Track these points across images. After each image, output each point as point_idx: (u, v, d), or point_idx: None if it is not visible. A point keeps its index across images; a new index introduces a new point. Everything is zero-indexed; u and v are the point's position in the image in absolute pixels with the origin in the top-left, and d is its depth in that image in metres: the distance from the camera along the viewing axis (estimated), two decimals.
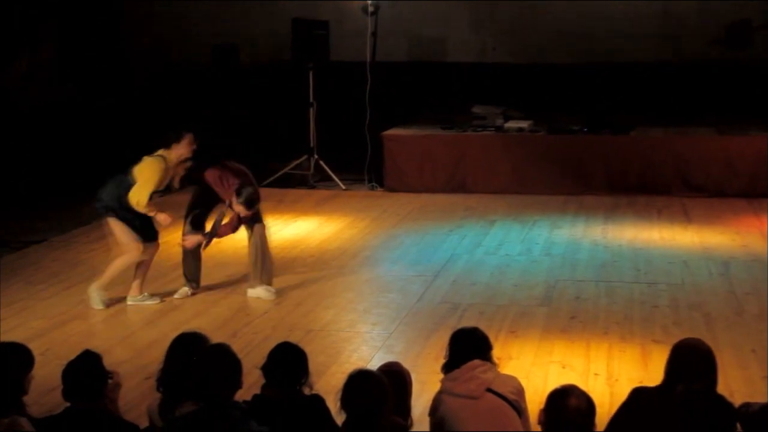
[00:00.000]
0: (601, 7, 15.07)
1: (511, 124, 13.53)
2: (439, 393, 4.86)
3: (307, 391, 4.73)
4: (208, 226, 8.69)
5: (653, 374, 6.13)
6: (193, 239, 8.59)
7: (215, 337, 5.13)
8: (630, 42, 14.92)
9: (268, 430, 4.23)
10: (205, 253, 8.84)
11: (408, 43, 15.59)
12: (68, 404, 4.58)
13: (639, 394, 4.78)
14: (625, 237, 10.74)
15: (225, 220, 8.55)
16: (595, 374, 6.74)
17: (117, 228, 8.36)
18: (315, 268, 9.62)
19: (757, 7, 14.58)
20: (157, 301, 8.52)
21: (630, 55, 14.86)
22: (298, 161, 13.85)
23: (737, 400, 4.96)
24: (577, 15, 15.08)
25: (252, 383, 4.97)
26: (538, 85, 14.90)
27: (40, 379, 4.69)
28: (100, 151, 14.70)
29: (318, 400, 4.75)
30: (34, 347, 7.00)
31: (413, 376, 5.07)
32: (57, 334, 7.68)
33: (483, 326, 7.05)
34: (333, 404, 4.51)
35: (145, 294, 8.53)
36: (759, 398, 5.32)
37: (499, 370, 4.99)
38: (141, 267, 8.51)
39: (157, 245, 8.60)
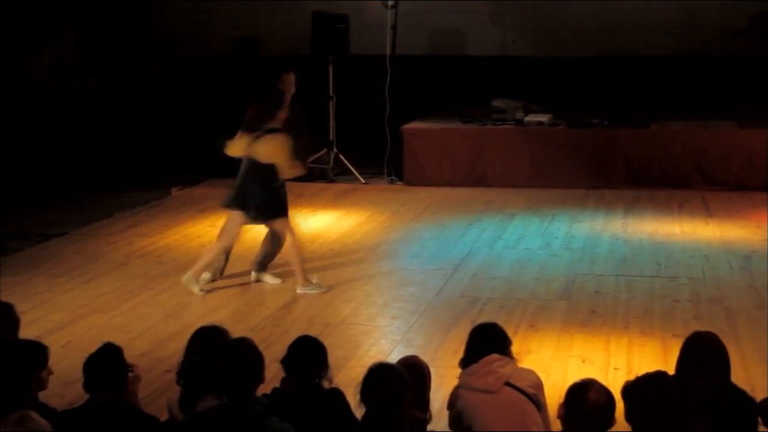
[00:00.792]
0: (620, 0, 15.01)
1: (531, 118, 13.49)
2: (457, 387, 4.86)
3: (326, 384, 4.74)
4: None
5: (673, 369, 6.10)
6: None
7: (234, 331, 5.15)
8: (650, 35, 14.85)
9: (290, 426, 4.23)
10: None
11: (428, 36, 15.57)
12: (89, 396, 4.60)
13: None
14: (646, 231, 10.70)
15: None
16: (615, 369, 6.72)
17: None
18: (334, 262, 9.63)
19: None
20: (324, 290, 8.59)
21: (650, 48, 14.80)
22: (317, 155, 13.84)
23: (759, 395, 4.94)
24: (597, 8, 15.02)
25: (271, 377, 4.98)
26: (557, 78, 14.84)
27: (61, 371, 4.72)
28: (120, 143, 14.79)
29: (337, 394, 4.76)
30: (55, 339, 7.12)
31: (432, 370, 5.07)
32: (78, 327, 7.72)
33: (502, 320, 7.07)
34: (352, 398, 4.52)
35: (314, 283, 8.61)
36: None
37: (517, 364, 4.98)
38: (294, 255, 8.58)
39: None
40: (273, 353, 4.89)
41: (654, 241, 10.24)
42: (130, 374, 4.73)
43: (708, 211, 11.56)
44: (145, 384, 5.59)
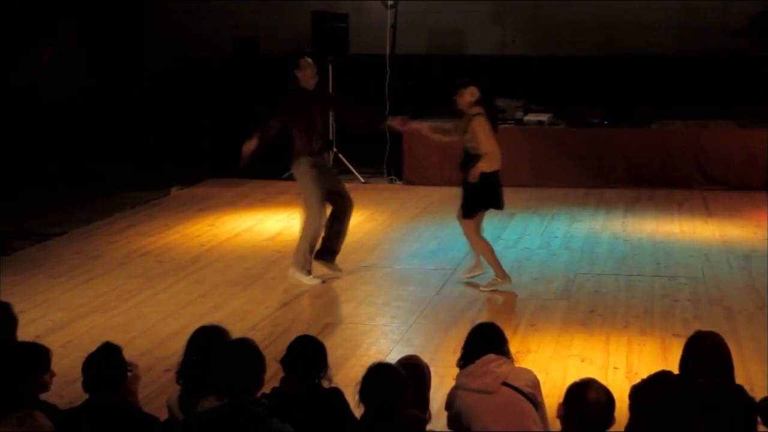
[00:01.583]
0: (621, 0, 15.02)
1: (531, 117, 13.49)
2: (455, 388, 4.85)
3: (326, 384, 4.74)
4: None
5: (673, 368, 6.07)
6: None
7: (235, 330, 5.15)
8: (650, 34, 14.87)
9: (290, 427, 4.23)
10: (225, 248, 8.84)
11: (427, 36, 15.58)
12: (88, 396, 4.60)
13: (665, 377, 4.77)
14: (645, 230, 10.70)
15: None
16: (615, 368, 6.72)
17: None
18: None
19: None
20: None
21: (650, 47, 14.81)
22: None
23: (758, 394, 4.94)
24: (597, 7, 15.03)
25: (271, 376, 4.97)
26: (557, 77, 14.86)
27: (61, 371, 4.71)
28: (120, 143, 14.80)
29: (337, 393, 4.75)
30: (55, 339, 7.12)
31: (432, 370, 5.06)
32: (77, 326, 7.71)
33: (502, 320, 7.08)
34: (352, 397, 4.52)
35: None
36: None
37: (516, 363, 4.98)
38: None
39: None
40: (273, 353, 4.89)
41: (654, 241, 10.25)
42: (129, 374, 4.73)
43: (708, 211, 11.56)
44: (145, 383, 5.59)
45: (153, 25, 16.17)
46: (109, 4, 15.47)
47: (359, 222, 11.30)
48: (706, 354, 4.71)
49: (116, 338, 5.45)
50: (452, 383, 4.96)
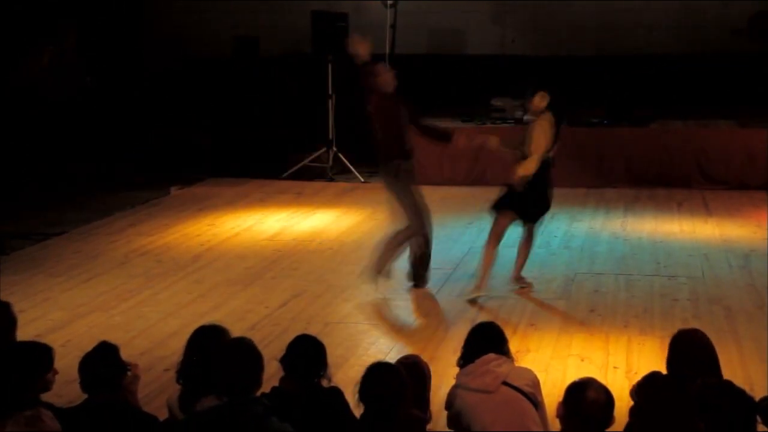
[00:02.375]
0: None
1: (530, 117, 13.45)
2: (455, 387, 4.86)
3: (325, 383, 4.74)
4: None
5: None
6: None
7: (234, 330, 5.15)
8: (650, 34, 14.86)
9: (290, 426, 4.23)
10: (225, 247, 8.83)
11: (427, 35, 15.57)
12: (87, 396, 4.60)
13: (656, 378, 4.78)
14: (645, 230, 10.70)
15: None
16: (615, 367, 6.72)
17: None
18: (333, 261, 9.63)
19: None
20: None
21: (650, 46, 14.80)
22: (317, 153, 13.85)
23: (758, 394, 4.92)
24: (597, 7, 15.02)
25: (270, 375, 4.98)
26: (557, 77, 14.83)
27: (60, 370, 4.70)
28: (120, 143, 14.80)
29: (336, 393, 4.75)
30: (55, 338, 7.11)
31: (432, 369, 5.07)
32: (77, 326, 7.71)
33: (502, 319, 7.09)
34: (351, 397, 4.52)
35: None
36: None
37: (516, 363, 4.98)
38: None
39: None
40: (273, 352, 4.89)
41: (653, 240, 10.24)
42: (129, 373, 4.73)
43: (708, 210, 11.56)
44: (145, 383, 5.58)
45: (153, 25, 16.15)
46: (109, 4, 15.46)
47: (359, 221, 11.31)
48: (692, 352, 4.72)
49: (116, 338, 5.45)
50: (452, 383, 4.97)
